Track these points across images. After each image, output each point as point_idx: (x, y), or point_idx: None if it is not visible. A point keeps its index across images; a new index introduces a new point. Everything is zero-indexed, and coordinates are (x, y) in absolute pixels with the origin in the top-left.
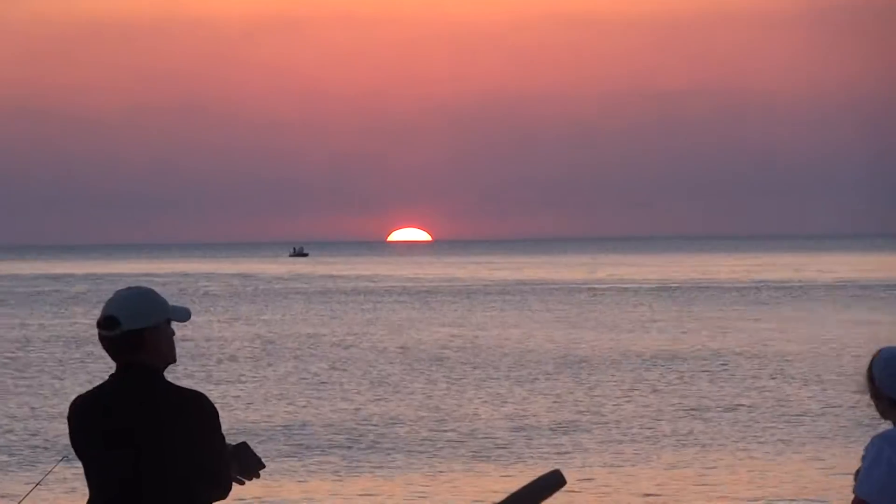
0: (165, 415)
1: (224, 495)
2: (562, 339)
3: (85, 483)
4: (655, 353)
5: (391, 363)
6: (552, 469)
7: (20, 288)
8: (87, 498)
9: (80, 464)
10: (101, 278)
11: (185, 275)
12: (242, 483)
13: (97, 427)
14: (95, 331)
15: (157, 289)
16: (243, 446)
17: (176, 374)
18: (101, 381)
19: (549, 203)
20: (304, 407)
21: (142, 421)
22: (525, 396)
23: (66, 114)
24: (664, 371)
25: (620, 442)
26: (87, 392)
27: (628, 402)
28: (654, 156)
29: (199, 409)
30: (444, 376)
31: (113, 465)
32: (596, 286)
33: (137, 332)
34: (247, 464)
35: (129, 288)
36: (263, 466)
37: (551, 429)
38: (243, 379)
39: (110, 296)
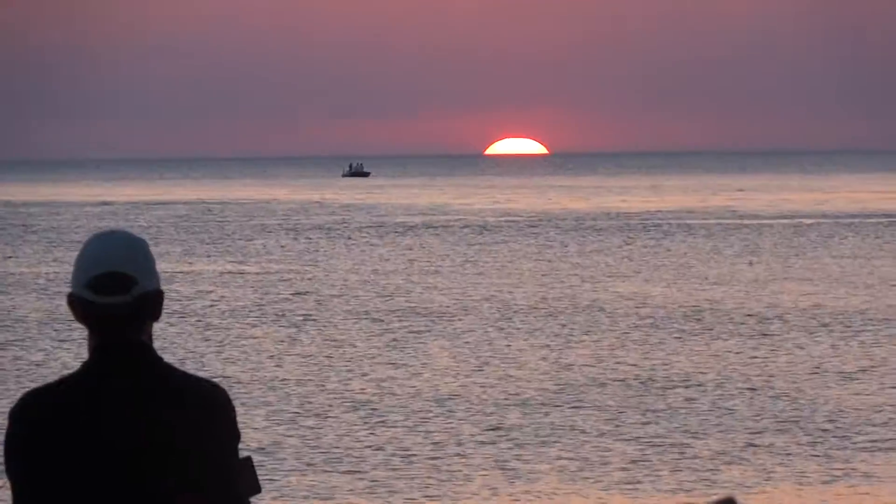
0: (193, 415)
1: None
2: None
3: None
4: None
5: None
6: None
7: None
8: None
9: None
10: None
11: (200, 203)
12: None
13: (88, 435)
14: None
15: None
16: (247, 462)
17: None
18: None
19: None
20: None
21: (161, 425)
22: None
23: None
24: None
25: None
26: (47, 386)
27: None
28: None
29: (226, 409)
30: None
31: (116, 486)
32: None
33: (154, 294)
34: (247, 485)
35: (114, 232)
36: (259, 491)
37: None
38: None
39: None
